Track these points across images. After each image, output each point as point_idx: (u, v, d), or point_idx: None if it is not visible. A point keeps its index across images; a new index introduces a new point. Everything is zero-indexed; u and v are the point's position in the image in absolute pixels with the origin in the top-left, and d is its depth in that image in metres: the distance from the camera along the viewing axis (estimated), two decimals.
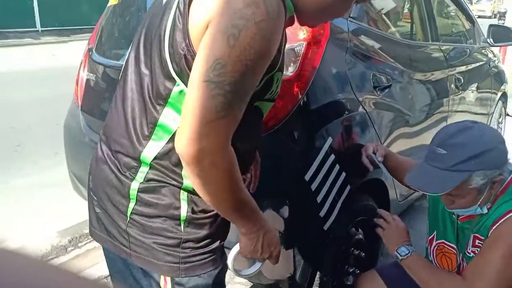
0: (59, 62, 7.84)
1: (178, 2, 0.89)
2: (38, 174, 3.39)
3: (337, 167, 1.58)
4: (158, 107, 0.94)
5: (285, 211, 1.49)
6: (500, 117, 3.88)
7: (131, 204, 0.99)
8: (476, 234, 1.40)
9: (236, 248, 1.07)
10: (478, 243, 1.39)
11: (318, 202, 1.54)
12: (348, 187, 1.64)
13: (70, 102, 2.44)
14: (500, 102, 3.77)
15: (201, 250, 1.00)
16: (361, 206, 1.83)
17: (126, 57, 1.07)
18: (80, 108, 2.26)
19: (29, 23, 11.07)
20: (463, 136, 1.31)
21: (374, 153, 1.60)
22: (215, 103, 0.81)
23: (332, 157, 1.56)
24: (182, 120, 0.85)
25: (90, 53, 2.30)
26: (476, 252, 1.41)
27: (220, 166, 0.86)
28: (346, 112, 1.69)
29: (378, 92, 1.87)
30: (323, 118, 1.60)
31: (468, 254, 1.45)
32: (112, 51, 2.30)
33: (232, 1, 0.80)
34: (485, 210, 1.37)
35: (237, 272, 1.12)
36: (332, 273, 1.76)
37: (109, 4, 2.40)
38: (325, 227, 1.60)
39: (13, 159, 3.67)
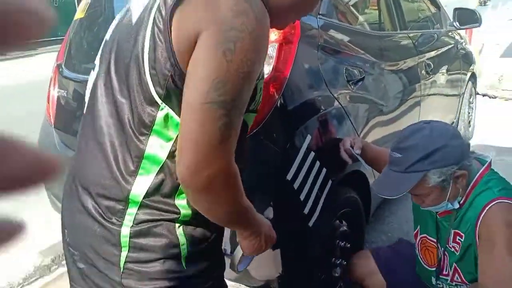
0: (27, 76, 7.67)
1: (155, 19, 0.80)
2: None
3: (318, 163, 1.61)
4: (142, 138, 0.85)
5: (270, 212, 1.51)
6: (470, 97, 3.98)
7: (124, 253, 0.88)
8: (456, 230, 1.44)
9: (239, 252, 1.06)
10: (459, 239, 1.43)
11: (302, 200, 1.56)
12: (330, 182, 1.66)
13: (41, 119, 2.40)
14: (470, 82, 3.86)
15: (204, 283, 0.95)
16: (344, 198, 1.87)
17: (89, 89, 0.97)
18: (53, 126, 2.23)
19: None
20: (414, 138, 1.35)
21: (352, 146, 1.63)
22: (220, 124, 0.75)
23: (312, 154, 1.58)
24: (183, 148, 0.77)
25: (60, 69, 2.26)
26: (457, 248, 1.44)
27: (230, 185, 0.81)
28: (323, 109, 1.71)
29: (352, 86, 1.90)
30: (301, 117, 1.62)
31: (449, 249, 1.49)
32: (82, 65, 2.26)
33: (219, 12, 0.74)
34: (456, 205, 1.40)
35: (240, 270, 1.13)
36: (319, 266, 1.79)
37: (75, 18, 2.36)
38: (310, 224, 1.62)
39: None
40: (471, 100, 4.00)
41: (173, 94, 0.81)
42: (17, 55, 10.18)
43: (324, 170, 1.63)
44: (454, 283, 1.52)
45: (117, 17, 1.00)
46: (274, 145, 1.55)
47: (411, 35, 2.76)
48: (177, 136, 0.82)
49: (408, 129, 1.42)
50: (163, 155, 0.85)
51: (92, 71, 1.01)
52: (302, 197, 1.56)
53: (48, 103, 2.29)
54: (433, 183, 1.33)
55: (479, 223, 1.33)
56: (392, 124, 2.33)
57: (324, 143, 1.69)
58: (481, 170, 1.39)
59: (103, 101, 0.89)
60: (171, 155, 0.84)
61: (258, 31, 0.77)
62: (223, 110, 0.74)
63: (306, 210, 1.58)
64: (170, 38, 0.77)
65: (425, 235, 1.61)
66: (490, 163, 1.44)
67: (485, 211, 1.32)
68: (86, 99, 0.99)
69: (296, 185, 1.54)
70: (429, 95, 2.83)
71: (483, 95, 5.55)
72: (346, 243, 1.87)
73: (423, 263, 1.65)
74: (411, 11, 3.10)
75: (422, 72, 2.71)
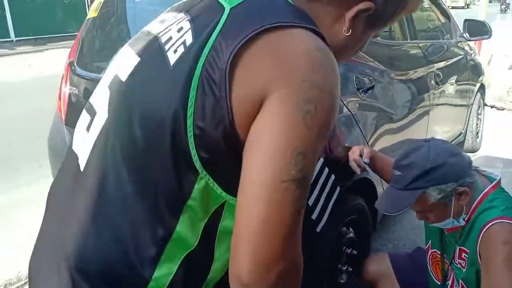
0: (36, 72, 7.73)
1: (205, 66, 0.61)
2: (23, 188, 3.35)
3: (326, 170, 1.61)
4: (170, 215, 0.64)
5: None
6: (479, 108, 3.97)
7: None
8: (462, 247, 1.45)
9: None
10: (464, 255, 1.44)
11: (310, 205, 1.57)
12: (338, 189, 1.67)
13: (50, 114, 2.42)
14: (479, 93, 3.85)
15: None
16: (351, 205, 1.87)
17: (80, 146, 0.75)
18: (64, 123, 2.25)
19: (2, 33, 10.88)
20: (412, 156, 1.39)
21: (361, 155, 1.64)
22: (297, 207, 0.59)
23: (321, 160, 1.59)
24: (248, 241, 0.58)
25: (72, 66, 2.28)
26: (463, 265, 1.45)
27: (299, 280, 0.64)
28: None
29: (362, 94, 1.91)
30: None
31: (455, 265, 1.50)
32: (94, 64, 2.29)
33: (295, 65, 0.59)
34: (462, 222, 1.41)
35: None
36: (325, 272, 1.79)
37: (88, 17, 2.38)
38: (318, 229, 1.62)
39: None
40: (479, 111, 3.99)
41: (219, 160, 0.63)
42: (26, 50, 10.27)
43: (333, 176, 1.64)
44: None
45: (127, 50, 0.77)
46: None
47: (421, 44, 2.77)
48: (211, 214, 0.66)
49: (408, 147, 1.46)
50: (193, 237, 0.66)
51: (90, 108, 0.79)
52: (310, 202, 1.56)
53: (60, 100, 2.31)
54: (433, 200, 1.36)
55: (479, 242, 1.35)
56: (400, 133, 2.33)
57: (333, 150, 1.70)
58: (487, 188, 1.40)
59: (115, 160, 0.67)
60: (202, 237, 0.67)
61: (337, 83, 0.62)
62: (301, 190, 0.59)
63: (314, 216, 1.59)
64: (229, 93, 0.59)
65: (435, 250, 1.62)
66: (498, 181, 1.44)
67: (484, 229, 1.33)
68: (83, 146, 0.75)
69: None
70: (438, 105, 2.83)
71: (491, 107, 5.53)
72: (353, 250, 1.88)
73: (434, 278, 1.65)
74: (421, 20, 3.11)
75: (432, 82, 2.72)
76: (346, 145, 1.77)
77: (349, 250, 1.88)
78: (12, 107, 5.31)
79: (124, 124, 0.67)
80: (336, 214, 1.69)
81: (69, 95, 2.25)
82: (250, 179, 0.59)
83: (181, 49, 0.65)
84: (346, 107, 1.79)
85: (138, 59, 0.71)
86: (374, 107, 2.03)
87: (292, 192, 0.58)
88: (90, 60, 2.32)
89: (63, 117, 2.26)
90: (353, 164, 1.63)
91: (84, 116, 0.79)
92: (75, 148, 0.78)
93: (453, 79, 3.13)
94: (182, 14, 0.71)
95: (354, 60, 1.96)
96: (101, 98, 0.75)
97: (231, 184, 0.63)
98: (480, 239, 1.34)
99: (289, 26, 0.61)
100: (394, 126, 2.26)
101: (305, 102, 0.58)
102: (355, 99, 1.87)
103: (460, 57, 3.41)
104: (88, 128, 0.75)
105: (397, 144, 2.28)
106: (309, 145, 0.59)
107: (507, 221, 1.31)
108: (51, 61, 8.26)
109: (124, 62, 0.74)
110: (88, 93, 2.16)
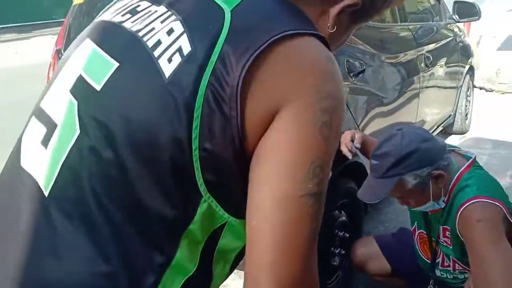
0: (23, 60, 7.61)
1: (210, 82, 0.54)
2: None
3: None
4: (167, 242, 0.58)
5: None
6: (468, 90, 4.00)
7: None
8: (444, 226, 1.52)
9: None
10: (448, 233, 1.51)
11: None
12: (330, 173, 1.68)
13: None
14: (468, 75, 3.88)
15: None
16: (343, 189, 1.89)
17: (35, 164, 0.63)
18: None
19: None
20: (386, 145, 1.44)
21: (352, 140, 1.65)
22: (315, 224, 0.56)
23: None
24: (266, 271, 0.53)
25: (60, 54, 2.25)
26: (449, 242, 1.52)
27: None
28: None
29: (353, 78, 1.91)
30: None
31: (441, 243, 1.56)
32: None
33: (309, 78, 0.56)
34: (442, 204, 1.47)
35: None
36: (318, 255, 1.81)
37: (74, 3, 2.34)
38: None
39: None
40: (468, 93, 4.02)
41: (227, 182, 0.58)
42: (12, 37, 10.09)
43: None
44: (457, 271, 1.57)
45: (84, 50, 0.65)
46: None
47: (410, 27, 2.77)
48: (209, 235, 0.60)
49: (383, 137, 1.51)
50: (192, 262, 0.61)
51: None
52: None
53: None
54: (410, 186, 1.41)
55: (457, 223, 1.41)
56: (391, 116, 2.35)
57: None
58: (462, 168, 1.45)
59: (95, 187, 0.58)
60: (201, 259, 0.61)
61: (342, 91, 0.60)
62: (318, 205, 0.55)
63: None
64: (240, 112, 0.54)
65: (421, 230, 1.67)
66: (473, 159, 1.49)
67: (461, 210, 1.38)
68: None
69: None
70: (428, 87, 2.84)
71: (480, 88, 5.57)
72: (345, 233, 1.90)
73: (423, 257, 1.69)
74: (411, 2, 3.10)
75: (422, 64, 2.72)
76: None
77: (341, 233, 1.91)
78: (1, 96, 5.23)
79: (105, 145, 0.58)
80: (329, 198, 1.69)
81: None
82: (264, 199, 0.54)
83: (177, 58, 0.57)
84: None
85: (115, 63, 0.60)
86: (364, 90, 2.04)
87: (309, 207, 0.54)
88: None
89: None
90: (344, 149, 1.64)
91: (36, 126, 0.65)
92: (25, 165, 0.64)
93: (442, 61, 3.14)
94: (163, 8, 0.62)
95: (346, 44, 1.96)
96: (62, 107, 0.62)
97: (234, 205, 0.59)
98: (457, 219, 1.40)
99: (296, 34, 0.57)
100: (384, 109, 2.27)
101: (321, 113, 0.55)
102: (346, 83, 1.87)
103: (449, 39, 3.41)
104: (45, 143, 0.62)
105: (387, 127, 2.29)
106: (326, 157, 0.56)
107: (481, 200, 1.36)
108: (38, 49, 8.12)
109: (94, 64, 0.62)
110: None
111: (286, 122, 0.55)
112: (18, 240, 0.60)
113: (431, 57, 2.85)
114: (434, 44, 3.02)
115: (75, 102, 0.61)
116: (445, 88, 3.31)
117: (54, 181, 0.60)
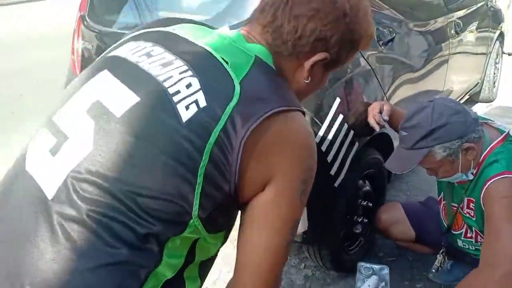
0: (31, 25, 7.43)
1: (226, 128, 0.67)
2: None
3: (345, 126, 1.61)
4: (151, 251, 0.67)
5: None
6: (497, 57, 3.87)
7: None
8: (469, 198, 1.52)
9: None
10: (472, 205, 1.52)
11: (329, 161, 1.58)
12: (357, 144, 1.67)
13: (55, 69, 2.36)
14: (497, 42, 3.74)
15: None
16: (368, 159, 1.88)
17: (41, 171, 0.71)
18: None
19: None
20: (417, 117, 1.43)
21: (381, 112, 1.62)
22: (284, 262, 0.79)
23: (341, 117, 1.58)
24: (245, 281, 0.75)
25: (83, 20, 2.24)
26: (472, 214, 1.53)
27: None
28: (350, 70, 1.69)
29: (382, 47, 1.86)
30: (330, 79, 1.60)
31: (465, 214, 1.57)
32: (105, 17, 2.24)
33: (298, 154, 0.73)
34: (470, 176, 1.47)
35: None
36: (342, 223, 1.83)
37: None
38: (336, 184, 1.65)
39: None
40: (497, 60, 3.90)
41: (216, 224, 0.74)
42: (14, 1, 9.78)
43: (352, 132, 1.63)
44: (479, 243, 1.58)
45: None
46: (304, 107, 1.54)
47: None
48: (188, 251, 0.73)
49: (412, 109, 1.49)
50: (171, 271, 0.71)
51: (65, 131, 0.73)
52: (329, 159, 1.57)
53: (73, 55, 2.28)
54: (440, 158, 1.41)
55: (482, 196, 1.41)
56: (418, 84, 2.30)
57: (352, 106, 1.69)
58: (494, 142, 1.44)
59: (110, 199, 0.66)
60: (178, 271, 0.73)
61: (316, 160, 0.78)
62: (289, 248, 0.76)
63: (332, 171, 1.60)
64: (239, 163, 0.68)
65: (446, 201, 1.66)
66: (507, 133, 1.47)
67: (487, 185, 1.38)
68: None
69: (324, 147, 1.55)
70: (457, 54, 2.76)
71: (509, 54, 5.37)
72: (368, 202, 1.91)
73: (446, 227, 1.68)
74: None
75: (451, 31, 2.63)
76: (365, 100, 1.75)
77: (364, 203, 1.92)
78: (21, 56, 5.20)
79: (125, 168, 0.67)
80: (354, 168, 1.70)
81: (82, 50, 2.22)
82: (256, 244, 0.73)
83: (193, 108, 0.68)
84: (366, 61, 1.75)
85: (137, 98, 0.70)
86: (392, 59, 1.99)
87: (286, 252, 0.75)
88: (102, 13, 2.27)
89: (78, 72, 2.24)
90: (372, 121, 1.62)
91: (46, 136, 0.73)
92: (31, 169, 0.72)
93: (472, 28, 3.04)
94: (179, 61, 0.73)
95: (374, 10, 1.90)
96: (77, 124, 0.71)
97: (213, 225, 0.72)
98: (483, 193, 1.40)
99: (287, 110, 0.72)
100: (412, 77, 2.22)
101: (302, 183, 0.73)
102: (375, 52, 1.83)
103: (480, 4, 3.28)
104: (53, 152, 0.70)
105: (414, 96, 2.25)
106: (300, 214, 0.76)
107: (508, 175, 1.36)
108: (44, 15, 7.99)
109: (114, 94, 0.72)
110: (103, 46, 2.13)
111: (277, 190, 0.71)
112: (20, 240, 0.66)
113: (461, 24, 2.75)
114: (465, 10, 2.91)
115: (92, 123, 0.70)
116: (474, 55, 3.21)
117: (59, 188, 0.67)
